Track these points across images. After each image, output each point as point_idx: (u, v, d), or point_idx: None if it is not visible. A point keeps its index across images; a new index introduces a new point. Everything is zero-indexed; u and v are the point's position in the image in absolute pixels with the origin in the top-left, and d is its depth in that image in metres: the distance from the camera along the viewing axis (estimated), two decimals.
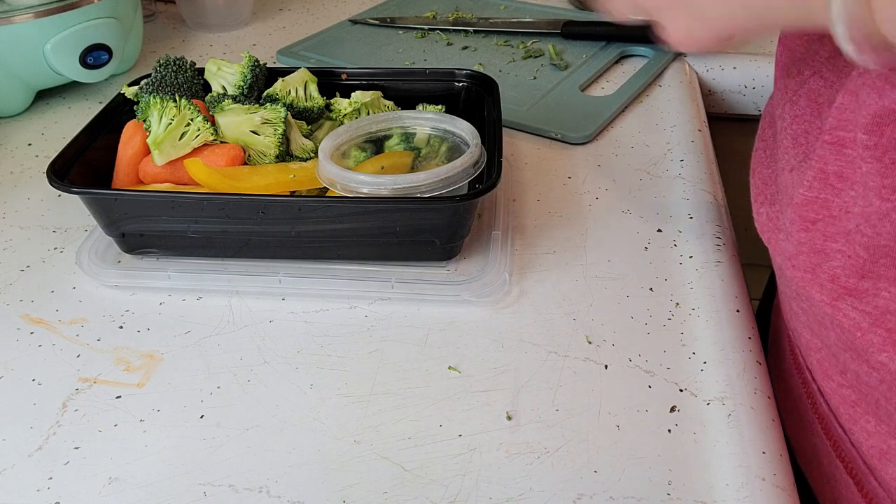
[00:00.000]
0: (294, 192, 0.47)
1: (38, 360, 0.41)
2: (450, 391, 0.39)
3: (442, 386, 0.39)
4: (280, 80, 0.53)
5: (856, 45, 0.26)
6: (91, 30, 0.64)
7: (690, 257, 0.47)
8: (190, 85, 0.53)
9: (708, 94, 0.74)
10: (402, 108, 0.54)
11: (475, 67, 0.71)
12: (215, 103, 0.50)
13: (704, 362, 0.40)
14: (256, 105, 0.50)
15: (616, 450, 0.36)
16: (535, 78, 0.69)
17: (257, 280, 0.45)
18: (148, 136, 0.47)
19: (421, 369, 0.40)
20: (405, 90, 0.56)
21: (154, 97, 0.47)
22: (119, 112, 0.52)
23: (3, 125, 0.65)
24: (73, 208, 0.53)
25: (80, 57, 0.64)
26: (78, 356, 0.41)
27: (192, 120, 0.47)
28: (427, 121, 0.50)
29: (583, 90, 0.67)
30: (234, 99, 0.50)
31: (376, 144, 0.50)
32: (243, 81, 0.53)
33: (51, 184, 0.44)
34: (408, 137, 0.50)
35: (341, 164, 0.46)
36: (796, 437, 0.43)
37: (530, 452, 0.36)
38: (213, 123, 0.49)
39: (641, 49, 0.74)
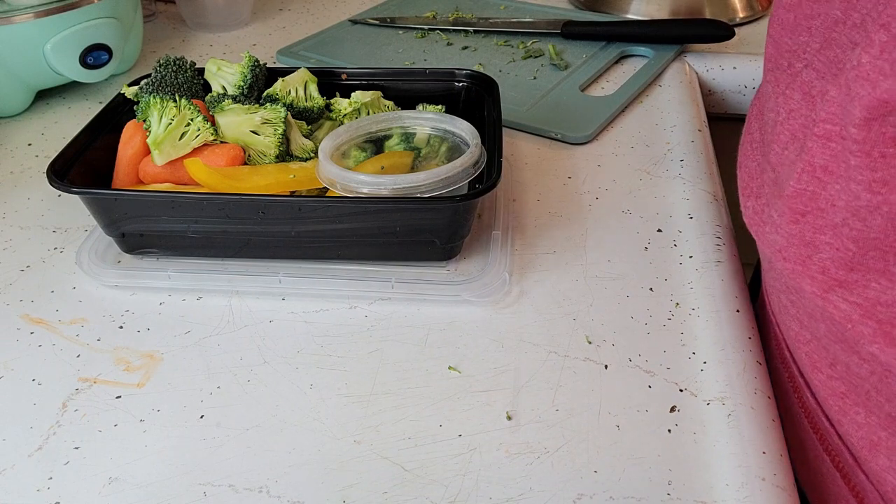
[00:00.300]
0: (294, 192, 0.47)
1: (38, 360, 0.41)
2: (450, 391, 0.39)
3: (442, 386, 0.39)
4: (280, 80, 0.53)
5: None
6: (91, 30, 0.64)
7: (690, 257, 0.47)
8: (190, 85, 0.53)
9: (708, 94, 0.74)
10: (402, 108, 0.54)
11: (475, 67, 0.71)
12: (215, 103, 0.50)
13: (704, 362, 0.40)
14: (256, 105, 0.50)
15: (616, 450, 0.36)
16: (535, 78, 0.69)
17: (257, 280, 0.45)
18: (148, 136, 0.47)
19: (421, 369, 0.40)
20: (405, 90, 0.56)
21: (154, 97, 0.47)
22: (119, 112, 0.52)
23: (3, 125, 0.65)
24: (73, 208, 0.53)
25: (80, 57, 0.64)
26: (78, 356, 0.41)
27: (192, 120, 0.47)
28: (427, 121, 0.50)
29: (583, 90, 0.67)
30: (234, 99, 0.50)
31: (376, 144, 0.50)
32: (243, 81, 0.53)
33: (51, 184, 0.44)
34: (408, 137, 0.50)
35: (341, 164, 0.46)
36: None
37: (530, 452, 0.36)
38: (213, 123, 0.49)
39: (641, 49, 0.74)
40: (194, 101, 0.49)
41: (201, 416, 0.38)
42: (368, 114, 0.53)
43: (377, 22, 0.83)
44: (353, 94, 0.54)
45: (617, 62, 0.73)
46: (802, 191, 0.34)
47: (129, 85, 0.53)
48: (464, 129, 0.48)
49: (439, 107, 0.54)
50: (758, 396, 0.38)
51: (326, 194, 0.46)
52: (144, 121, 0.48)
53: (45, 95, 0.69)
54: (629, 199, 0.53)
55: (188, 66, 0.54)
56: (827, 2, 0.33)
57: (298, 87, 0.53)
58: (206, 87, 0.55)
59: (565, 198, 0.53)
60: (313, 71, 0.55)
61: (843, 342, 0.35)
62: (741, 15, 0.82)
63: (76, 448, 0.36)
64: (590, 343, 0.41)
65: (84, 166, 0.47)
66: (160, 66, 0.53)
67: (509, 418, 0.37)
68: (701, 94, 0.69)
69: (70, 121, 0.66)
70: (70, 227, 0.52)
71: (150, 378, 0.40)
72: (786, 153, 0.36)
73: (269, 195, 0.45)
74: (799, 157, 0.34)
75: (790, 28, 0.37)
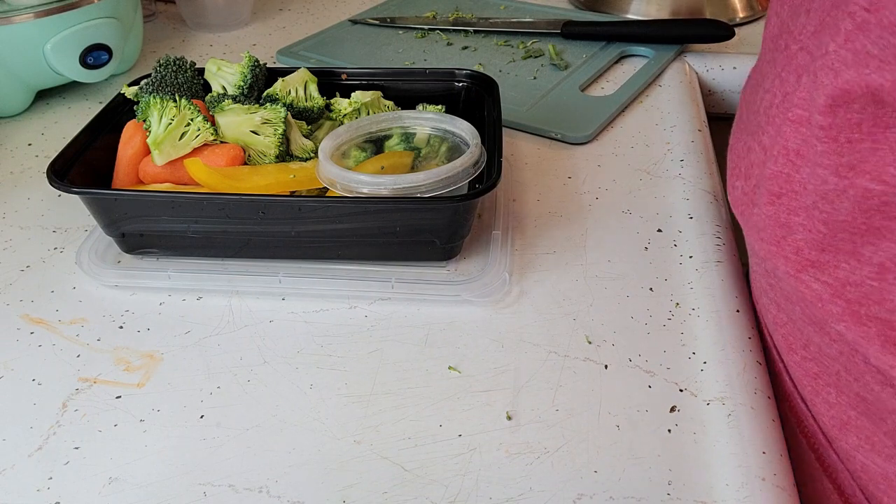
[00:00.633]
0: (294, 192, 0.47)
1: (38, 360, 0.41)
2: (450, 391, 0.39)
3: (442, 386, 0.39)
4: (280, 80, 0.53)
5: None
6: (91, 30, 0.64)
7: (690, 257, 0.47)
8: (190, 85, 0.53)
9: (708, 94, 0.74)
10: (402, 108, 0.54)
11: (475, 67, 0.71)
12: (215, 103, 0.50)
13: (704, 362, 0.40)
14: (256, 105, 0.50)
15: (616, 450, 0.36)
16: (535, 78, 0.69)
17: (257, 280, 0.45)
18: (148, 136, 0.47)
19: (421, 369, 0.40)
20: (405, 90, 0.56)
21: (154, 97, 0.47)
22: (119, 112, 0.52)
23: (3, 125, 0.65)
24: (73, 208, 0.53)
25: (80, 57, 0.64)
26: (78, 356, 0.41)
27: (192, 120, 0.47)
28: (427, 121, 0.50)
29: (583, 90, 0.67)
30: (234, 99, 0.50)
31: (376, 144, 0.50)
32: (243, 81, 0.53)
33: (51, 184, 0.44)
34: (408, 137, 0.50)
35: (341, 164, 0.46)
36: None
37: (530, 452, 0.36)
38: (213, 123, 0.49)
39: (641, 49, 0.74)
40: (194, 101, 0.49)
41: (201, 416, 0.38)
42: (368, 114, 0.53)
43: (377, 22, 0.83)
44: (353, 94, 0.54)
45: (617, 62, 0.73)
46: (778, 173, 0.35)
47: (129, 85, 0.53)
48: (464, 129, 0.48)
49: (439, 107, 0.54)
50: (758, 396, 0.38)
51: (326, 194, 0.46)
52: (144, 121, 0.48)
53: (45, 95, 0.69)
54: (629, 199, 0.53)
55: (188, 66, 0.54)
56: None
57: (298, 87, 0.53)
58: (206, 87, 0.55)
59: (565, 198, 0.53)
60: (313, 71, 0.55)
61: (815, 324, 0.36)
62: (741, 15, 0.82)
63: (76, 448, 0.36)
64: (590, 343, 0.41)
65: (84, 166, 0.47)
66: (160, 66, 0.53)
67: (509, 418, 0.37)
68: (701, 94, 0.69)
69: (70, 121, 0.66)
70: (70, 227, 0.52)
71: (150, 378, 0.40)
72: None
73: (269, 195, 0.45)
74: (776, 140, 0.35)
75: (791, 7, 0.37)
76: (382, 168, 0.47)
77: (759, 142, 0.37)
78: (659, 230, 0.50)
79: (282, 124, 0.49)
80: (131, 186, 0.49)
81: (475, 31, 0.80)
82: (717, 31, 0.71)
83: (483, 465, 0.35)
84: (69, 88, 0.70)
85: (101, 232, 0.47)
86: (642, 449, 0.36)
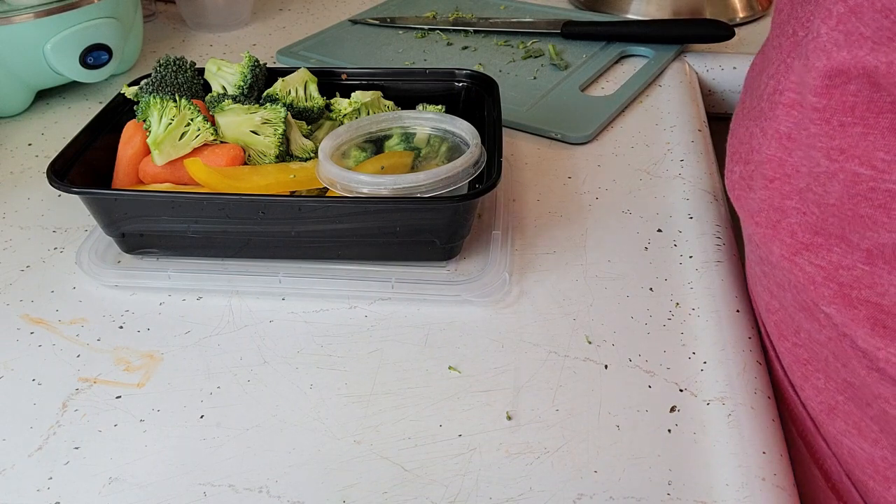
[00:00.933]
0: (294, 192, 0.47)
1: (38, 360, 0.41)
2: (450, 391, 0.39)
3: (442, 386, 0.39)
4: (280, 80, 0.53)
5: None
6: (91, 30, 0.64)
7: (690, 257, 0.47)
8: (190, 85, 0.53)
9: (708, 94, 0.74)
10: (402, 108, 0.54)
11: (475, 67, 0.71)
12: (215, 103, 0.50)
13: (704, 362, 0.40)
14: (256, 105, 0.50)
15: (616, 450, 0.36)
16: (535, 78, 0.69)
17: (257, 280, 0.45)
18: (148, 136, 0.47)
19: (421, 369, 0.40)
20: (405, 90, 0.56)
21: (154, 97, 0.47)
22: (119, 112, 0.52)
23: (3, 125, 0.65)
24: (73, 208, 0.53)
25: (80, 57, 0.64)
26: (78, 356, 0.41)
27: (192, 120, 0.47)
28: (427, 121, 0.50)
29: (583, 90, 0.67)
30: (234, 99, 0.50)
31: (376, 144, 0.50)
32: (243, 81, 0.53)
33: (51, 184, 0.44)
34: (408, 137, 0.50)
35: (341, 164, 0.46)
36: None
37: (530, 452, 0.36)
38: (213, 123, 0.49)
39: (641, 49, 0.74)
40: (194, 101, 0.49)
41: (201, 416, 0.38)
42: (368, 114, 0.53)
43: (377, 22, 0.83)
44: (353, 94, 0.54)
45: (617, 62, 0.73)
46: (772, 157, 0.35)
47: (129, 85, 0.53)
48: (464, 129, 0.48)
49: (439, 107, 0.54)
50: (758, 396, 0.38)
51: (326, 194, 0.46)
52: (144, 121, 0.48)
53: (45, 95, 0.69)
54: (629, 199, 0.53)
55: (188, 66, 0.54)
56: None
57: (298, 87, 0.53)
58: (206, 87, 0.55)
59: (565, 198, 0.53)
60: (313, 71, 0.55)
61: (806, 310, 0.36)
62: (741, 15, 0.82)
63: (76, 448, 0.36)
64: (590, 343, 0.41)
65: (84, 166, 0.47)
66: (160, 66, 0.53)
67: (509, 418, 0.37)
68: (701, 94, 0.69)
69: (70, 121, 0.66)
70: (70, 227, 0.52)
71: (150, 378, 0.40)
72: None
73: (269, 195, 0.45)
74: (769, 124, 0.35)
75: None
76: (382, 168, 0.47)
77: (761, 127, 0.38)
78: (659, 230, 0.50)
79: (282, 124, 0.49)
80: (131, 186, 0.49)
81: (475, 31, 0.80)
82: (717, 31, 0.71)
83: (483, 465, 0.35)
84: (69, 88, 0.70)
85: (101, 232, 0.47)
86: (642, 449, 0.36)
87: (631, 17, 0.83)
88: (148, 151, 0.48)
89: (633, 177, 0.55)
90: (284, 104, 0.50)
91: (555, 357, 0.40)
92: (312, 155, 0.50)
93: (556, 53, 0.73)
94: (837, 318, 0.33)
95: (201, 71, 0.55)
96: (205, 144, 0.48)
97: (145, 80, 0.53)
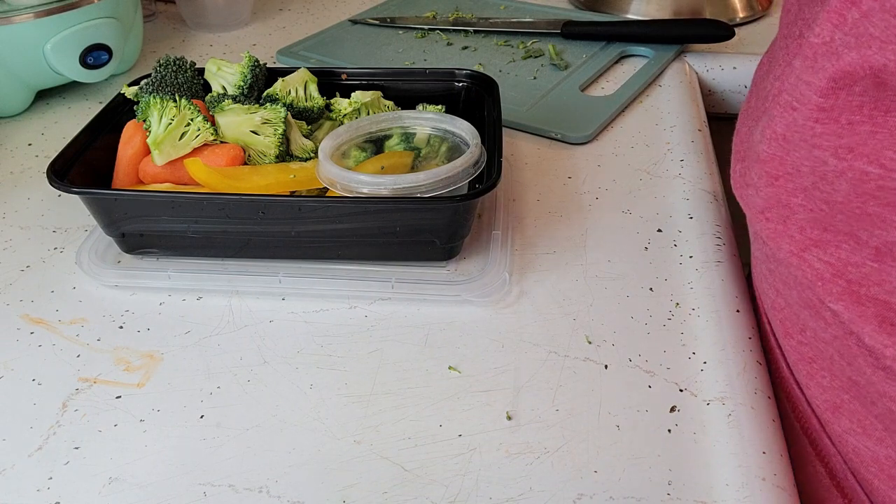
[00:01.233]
0: (294, 192, 0.47)
1: (38, 360, 0.41)
2: (450, 391, 0.39)
3: (442, 386, 0.39)
4: (280, 80, 0.53)
5: None
6: (91, 30, 0.64)
7: (690, 257, 0.47)
8: (190, 85, 0.53)
9: (708, 94, 0.74)
10: (402, 108, 0.54)
11: (475, 67, 0.71)
12: (215, 103, 0.50)
13: (704, 362, 0.40)
14: (256, 105, 0.50)
15: (616, 450, 0.36)
16: (535, 78, 0.69)
17: (257, 280, 0.45)
18: (148, 136, 0.47)
19: (421, 369, 0.40)
20: (405, 90, 0.56)
21: (154, 97, 0.47)
22: (119, 112, 0.52)
23: (3, 125, 0.65)
24: (73, 208, 0.53)
25: (80, 57, 0.64)
26: (78, 356, 0.41)
27: (192, 120, 0.47)
28: (427, 121, 0.50)
29: (583, 90, 0.67)
30: (234, 99, 0.50)
31: (376, 144, 0.50)
32: (243, 81, 0.53)
33: (51, 184, 0.44)
34: (408, 137, 0.50)
35: (341, 164, 0.46)
36: None
37: (530, 452, 0.36)
38: (213, 123, 0.49)
39: (641, 49, 0.74)
40: (194, 101, 0.49)
41: (201, 416, 0.38)
42: (368, 114, 0.53)
43: (377, 22, 0.83)
44: (353, 94, 0.54)
45: (617, 62, 0.73)
46: (773, 155, 0.36)
47: (129, 85, 0.53)
48: (464, 129, 0.48)
49: (439, 107, 0.54)
50: (758, 396, 0.38)
51: (326, 194, 0.46)
52: (144, 121, 0.48)
53: (45, 95, 0.69)
54: (629, 199, 0.53)
55: (188, 66, 0.54)
56: None
57: (298, 87, 0.53)
58: (206, 87, 0.55)
59: (565, 198, 0.53)
60: (313, 71, 0.55)
61: (811, 308, 0.36)
62: (741, 15, 0.82)
63: (76, 448, 0.36)
64: (590, 343, 0.41)
65: (84, 166, 0.47)
66: (160, 66, 0.53)
67: (509, 418, 0.37)
68: (701, 94, 0.69)
69: (70, 121, 0.66)
70: (70, 227, 0.52)
71: (150, 378, 0.40)
72: None
73: (269, 195, 0.45)
74: (767, 123, 0.36)
75: None
76: (382, 168, 0.47)
77: (762, 127, 0.38)
78: (659, 230, 0.50)
79: (282, 124, 0.49)
80: (131, 186, 0.49)
81: (475, 31, 0.80)
82: (717, 31, 0.71)
83: (483, 465, 0.35)
84: (69, 88, 0.70)
85: (101, 232, 0.47)
86: (642, 449, 0.36)
87: (631, 17, 0.83)
88: (148, 151, 0.48)
89: (633, 177, 0.55)
90: (284, 104, 0.50)
91: (555, 357, 0.40)
92: (312, 155, 0.50)
93: (556, 53, 0.73)
94: (845, 315, 0.33)
95: (201, 71, 0.55)
96: (205, 144, 0.48)
97: (145, 80, 0.53)
